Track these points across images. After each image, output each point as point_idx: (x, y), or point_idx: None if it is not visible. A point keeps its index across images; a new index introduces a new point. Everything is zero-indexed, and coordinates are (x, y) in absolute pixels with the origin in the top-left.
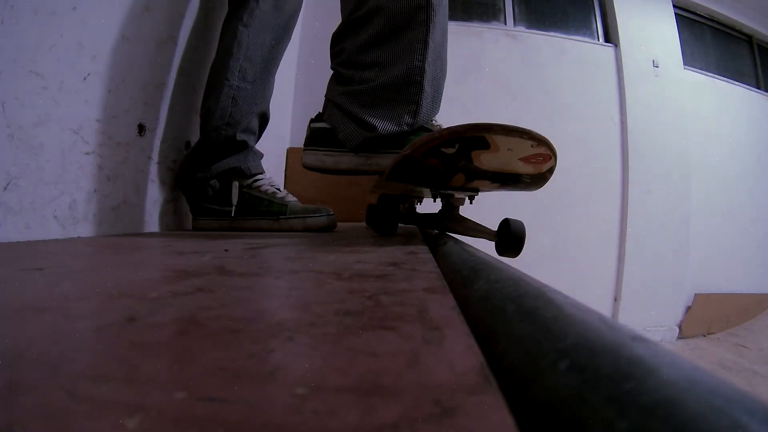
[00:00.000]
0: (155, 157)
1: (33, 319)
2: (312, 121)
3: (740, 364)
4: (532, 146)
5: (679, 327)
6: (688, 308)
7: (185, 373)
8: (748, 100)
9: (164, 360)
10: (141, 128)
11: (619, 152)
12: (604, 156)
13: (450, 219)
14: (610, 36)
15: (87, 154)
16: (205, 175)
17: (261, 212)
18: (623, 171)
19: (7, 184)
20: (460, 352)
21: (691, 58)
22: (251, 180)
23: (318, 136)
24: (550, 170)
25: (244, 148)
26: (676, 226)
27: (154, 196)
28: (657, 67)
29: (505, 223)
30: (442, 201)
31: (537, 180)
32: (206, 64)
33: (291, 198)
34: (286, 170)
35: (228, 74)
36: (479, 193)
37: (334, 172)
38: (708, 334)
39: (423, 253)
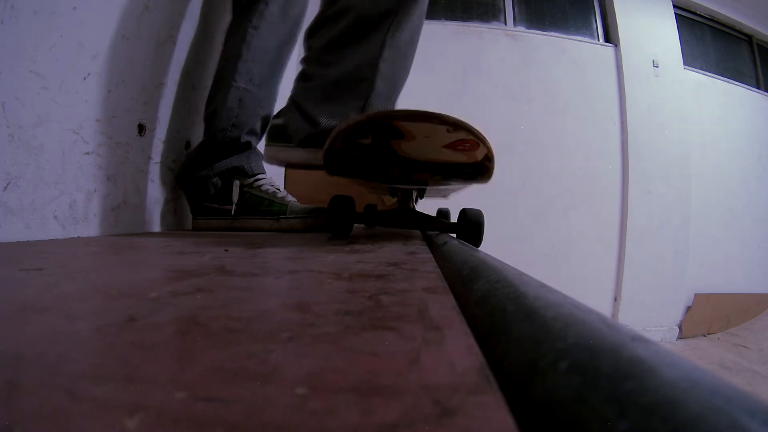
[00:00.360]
0: (155, 157)
1: (33, 319)
2: (274, 117)
3: (740, 364)
4: (448, 131)
5: (679, 327)
6: (688, 308)
7: (185, 373)
8: (748, 100)
9: (164, 360)
10: (141, 128)
11: (619, 152)
12: (604, 156)
13: (405, 215)
14: (610, 36)
15: (87, 154)
16: (208, 173)
17: (261, 212)
18: (623, 171)
19: (7, 184)
20: (460, 352)
21: (691, 58)
22: (252, 179)
23: (273, 131)
24: (487, 158)
25: (248, 148)
26: (676, 226)
27: (155, 195)
28: (657, 67)
29: (463, 214)
30: (398, 196)
31: (478, 170)
32: (206, 64)
33: (291, 198)
34: (286, 170)
35: (236, 76)
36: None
37: (287, 166)
38: (708, 334)
39: (423, 253)
